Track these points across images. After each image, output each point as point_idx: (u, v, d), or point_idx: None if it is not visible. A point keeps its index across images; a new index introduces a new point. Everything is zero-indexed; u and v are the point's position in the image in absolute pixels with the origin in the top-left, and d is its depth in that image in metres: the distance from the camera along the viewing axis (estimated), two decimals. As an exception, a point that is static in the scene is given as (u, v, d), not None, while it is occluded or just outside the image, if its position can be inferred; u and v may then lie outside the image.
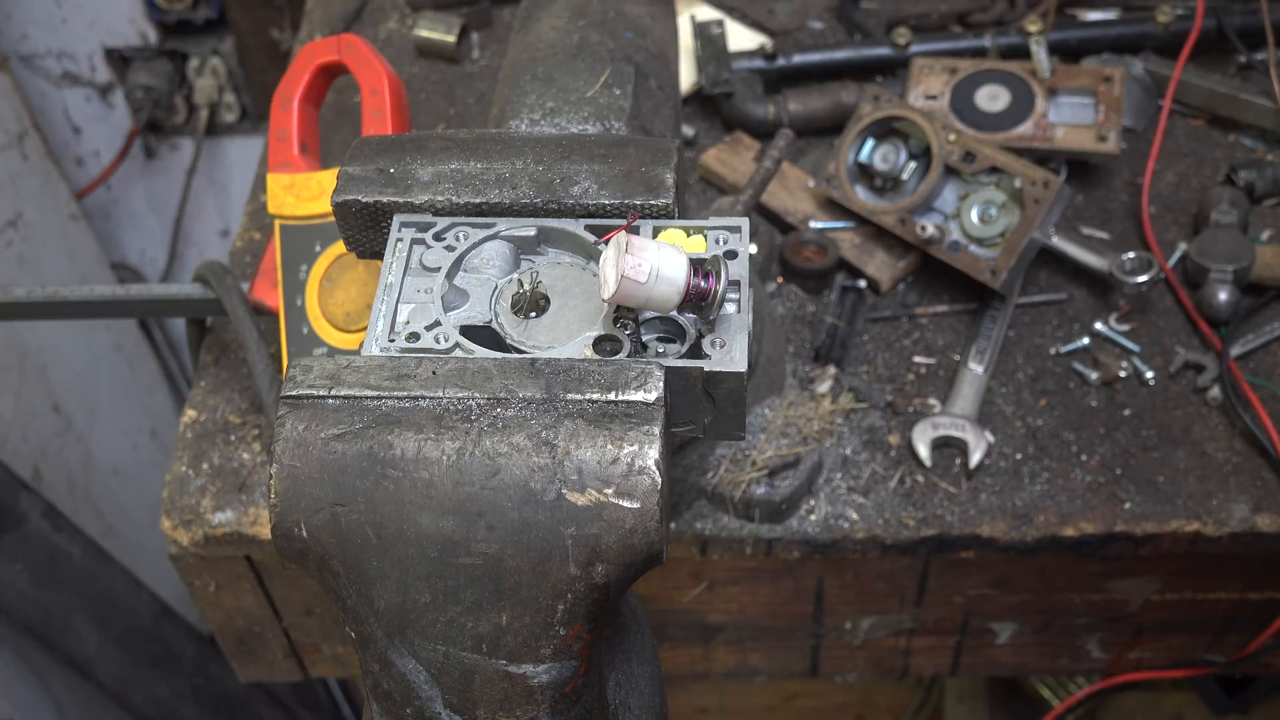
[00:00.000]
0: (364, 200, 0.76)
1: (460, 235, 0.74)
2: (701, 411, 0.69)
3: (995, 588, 1.18)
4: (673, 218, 0.75)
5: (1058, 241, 1.21)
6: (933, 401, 1.18)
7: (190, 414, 1.20)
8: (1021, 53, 1.38)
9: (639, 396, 0.63)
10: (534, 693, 0.62)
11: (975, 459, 1.12)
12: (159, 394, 2.39)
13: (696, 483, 1.09)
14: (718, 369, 0.67)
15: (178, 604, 2.02)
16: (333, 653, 1.31)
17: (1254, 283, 1.23)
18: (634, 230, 0.73)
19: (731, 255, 0.72)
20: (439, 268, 0.73)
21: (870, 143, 1.28)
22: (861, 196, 1.27)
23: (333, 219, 0.81)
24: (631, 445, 0.60)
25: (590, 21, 0.95)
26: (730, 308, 0.70)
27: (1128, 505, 1.10)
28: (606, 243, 0.69)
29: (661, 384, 0.63)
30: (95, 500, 2.10)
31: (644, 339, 0.70)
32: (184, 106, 2.18)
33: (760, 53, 1.43)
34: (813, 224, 1.30)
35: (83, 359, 2.11)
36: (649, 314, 0.70)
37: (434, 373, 0.64)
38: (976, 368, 1.18)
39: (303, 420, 0.62)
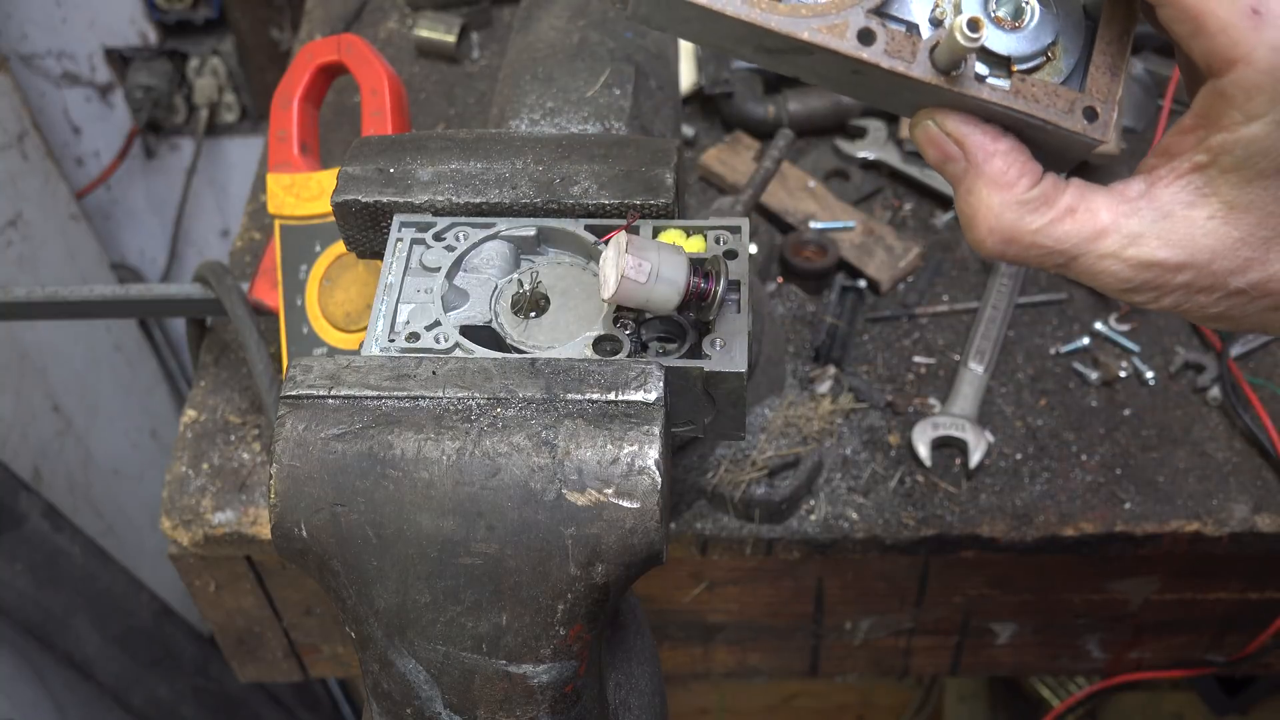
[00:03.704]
0: (364, 200, 0.76)
1: (460, 235, 0.74)
2: (701, 411, 0.69)
3: (995, 588, 1.18)
4: (672, 218, 0.75)
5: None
6: (933, 401, 1.18)
7: (190, 414, 1.20)
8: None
9: (639, 396, 0.63)
10: (534, 693, 0.62)
11: (975, 459, 1.12)
12: (159, 394, 2.39)
13: (696, 483, 1.09)
14: (718, 369, 0.67)
15: (178, 604, 2.02)
16: (333, 653, 1.31)
17: (1254, 283, 1.23)
18: (634, 230, 0.73)
19: (731, 255, 0.72)
20: (439, 268, 0.73)
21: None
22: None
23: (333, 219, 0.81)
24: (631, 445, 0.60)
25: (590, 21, 0.95)
26: (730, 308, 0.70)
27: (1128, 505, 1.10)
28: (606, 243, 0.69)
29: (661, 384, 0.63)
30: (95, 500, 2.10)
31: (644, 339, 0.70)
32: (184, 106, 2.18)
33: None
34: (813, 224, 1.30)
35: (83, 359, 2.12)
36: (649, 314, 0.70)
37: (434, 373, 0.64)
38: (976, 368, 1.18)
39: (303, 420, 0.62)
